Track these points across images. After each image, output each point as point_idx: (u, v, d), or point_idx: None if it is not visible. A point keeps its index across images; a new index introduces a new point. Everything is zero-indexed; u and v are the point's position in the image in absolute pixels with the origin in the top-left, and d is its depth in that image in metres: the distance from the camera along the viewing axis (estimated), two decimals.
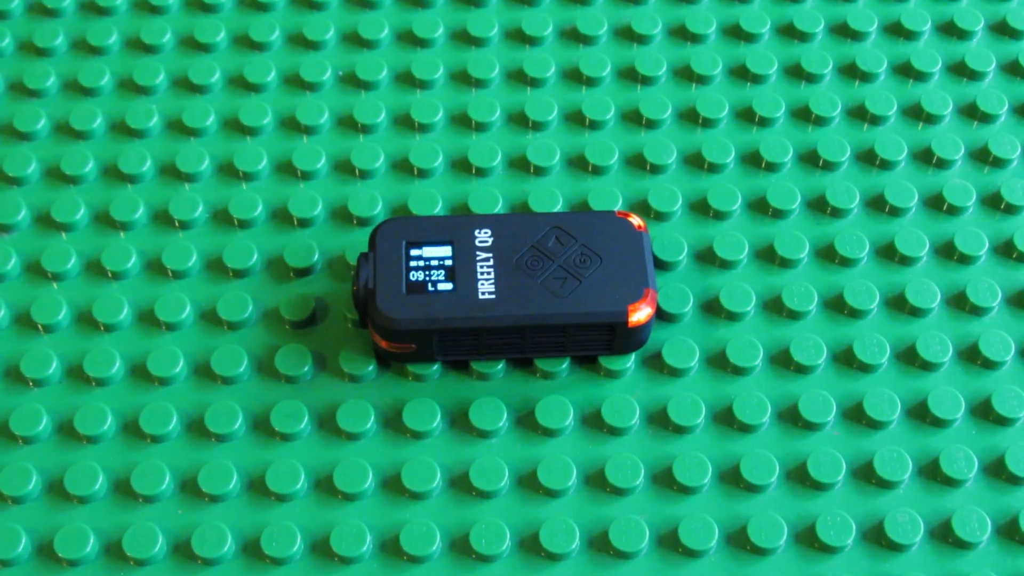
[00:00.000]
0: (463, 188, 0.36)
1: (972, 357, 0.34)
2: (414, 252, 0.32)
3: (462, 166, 0.37)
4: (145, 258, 0.35)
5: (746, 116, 0.38)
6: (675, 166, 0.37)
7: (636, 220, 0.33)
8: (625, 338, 0.32)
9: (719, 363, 0.33)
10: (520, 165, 0.37)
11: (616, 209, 0.35)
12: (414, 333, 0.31)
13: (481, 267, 0.32)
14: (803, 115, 0.38)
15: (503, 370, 0.33)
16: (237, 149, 0.37)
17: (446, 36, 0.40)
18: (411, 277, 0.31)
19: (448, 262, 0.32)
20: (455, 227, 0.32)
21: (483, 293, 0.31)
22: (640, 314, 0.31)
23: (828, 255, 0.35)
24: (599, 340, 0.32)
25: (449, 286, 0.31)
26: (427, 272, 0.32)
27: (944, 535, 0.31)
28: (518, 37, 0.40)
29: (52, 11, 0.40)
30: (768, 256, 0.35)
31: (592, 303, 0.31)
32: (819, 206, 0.36)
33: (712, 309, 0.34)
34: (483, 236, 0.32)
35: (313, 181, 0.37)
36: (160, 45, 0.39)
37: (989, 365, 0.33)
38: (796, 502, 0.31)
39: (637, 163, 0.37)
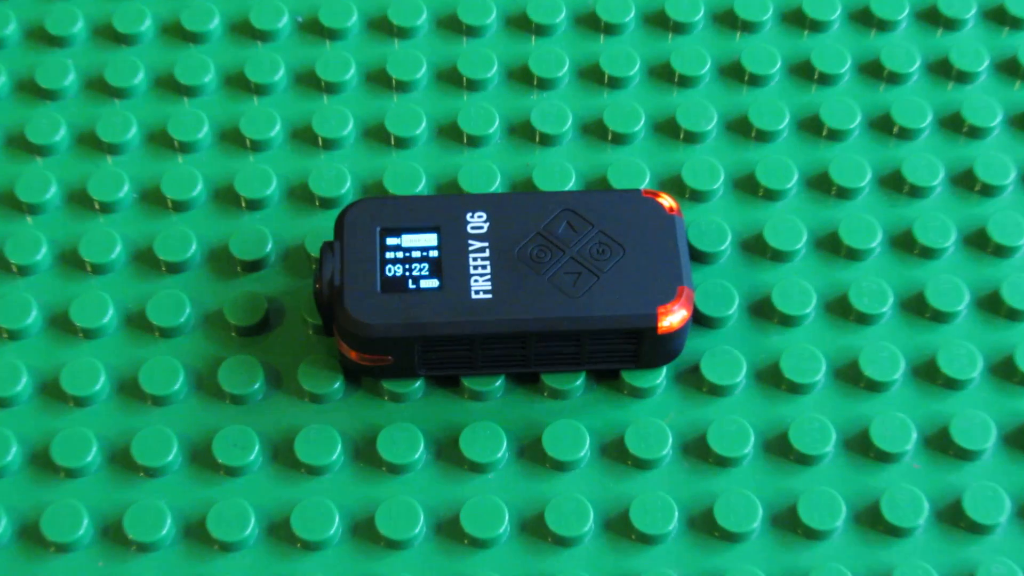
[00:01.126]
0: (452, 161, 0.36)
1: None
2: (391, 241, 0.32)
3: (451, 134, 0.37)
4: (58, 248, 0.35)
5: (803, 72, 0.38)
6: (715, 134, 0.37)
7: (667, 201, 0.33)
8: (654, 348, 0.32)
9: (771, 379, 0.33)
10: (523, 132, 0.37)
11: (642, 187, 0.35)
12: (391, 341, 0.31)
13: (474, 260, 0.32)
14: (874, 71, 0.38)
15: (502, 388, 0.33)
16: (172, 113, 0.37)
17: None
18: (387, 272, 0.31)
19: (433, 253, 0.32)
20: (442, 210, 0.32)
21: (477, 292, 0.31)
22: (673, 318, 0.31)
23: (906, 244, 0.35)
24: (622, 351, 0.32)
25: (434, 283, 0.31)
26: (407, 266, 0.31)
27: None
28: None
29: None
30: (831, 246, 0.35)
31: (613, 304, 0.31)
32: (894, 183, 0.36)
33: (762, 312, 0.34)
34: (477, 221, 0.32)
35: (265, 153, 0.37)
36: None
37: None
38: (867, 551, 0.31)
39: (668, 130, 0.37)
